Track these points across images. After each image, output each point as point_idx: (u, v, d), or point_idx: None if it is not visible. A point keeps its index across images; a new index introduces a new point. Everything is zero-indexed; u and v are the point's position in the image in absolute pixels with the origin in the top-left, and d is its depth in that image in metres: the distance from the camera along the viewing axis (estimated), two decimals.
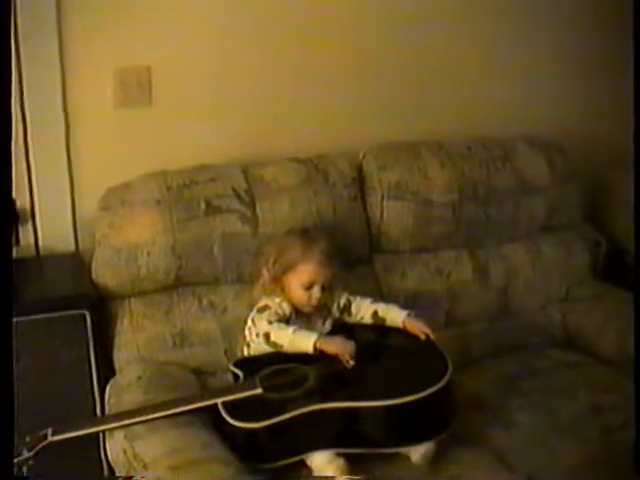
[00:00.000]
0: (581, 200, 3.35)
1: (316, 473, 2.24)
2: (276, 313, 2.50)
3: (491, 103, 3.33)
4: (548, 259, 3.22)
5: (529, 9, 3.34)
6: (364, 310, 2.64)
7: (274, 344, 2.45)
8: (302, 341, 2.42)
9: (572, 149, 3.31)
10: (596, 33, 3.46)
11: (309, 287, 2.53)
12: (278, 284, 2.57)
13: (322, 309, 2.60)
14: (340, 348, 2.41)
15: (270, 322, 2.47)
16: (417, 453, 2.30)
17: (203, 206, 2.69)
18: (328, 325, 2.59)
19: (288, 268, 2.56)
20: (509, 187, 3.10)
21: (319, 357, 2.40)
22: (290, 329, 2.44)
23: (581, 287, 3.26)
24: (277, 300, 2.54)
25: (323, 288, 2.54)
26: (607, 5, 3.38)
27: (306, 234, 2.63)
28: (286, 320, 2.51)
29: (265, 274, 2.60)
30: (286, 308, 2.53)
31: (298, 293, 2.55)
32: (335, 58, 3.07)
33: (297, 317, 2.55)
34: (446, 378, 2.35)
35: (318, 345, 2.40)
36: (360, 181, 2.97)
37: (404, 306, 2.65)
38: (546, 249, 3.23)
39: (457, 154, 3.07)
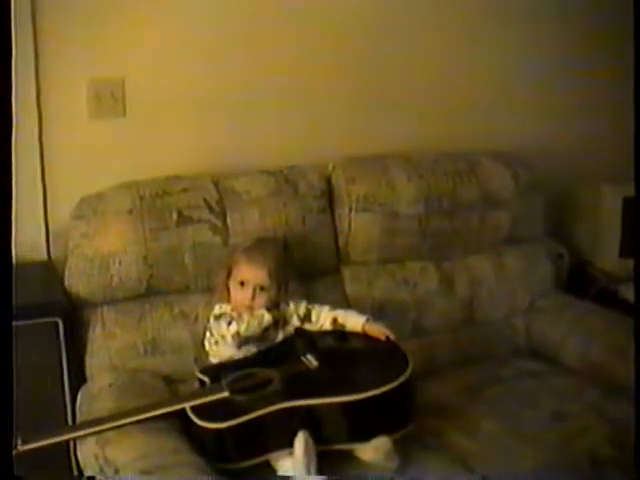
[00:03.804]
0: (544, 213, 3.38)
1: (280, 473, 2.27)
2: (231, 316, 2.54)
3: (457, 118, 3.38)
4: (512, 271, 3.24)
5: (484, 26, 3.41)
6: (324, 317, 2.65)
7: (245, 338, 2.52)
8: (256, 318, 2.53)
9: (536, 163, 3.35)
10: (569, 50, 3.52)
11: (242, 284, 2.57)
12: (226, 289, 2.62)
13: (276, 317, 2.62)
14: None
15: (229, 323, 2.51)
16: (371, 447, 2.31)
17: (175, 216, 2.72)
18: (281, 335, 2.62)
19: (230, 270, 2.61)
20: (474, 200, 3.13)
21: (283, 360, 2.47)
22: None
23: (544, 298, 3.27)
24: (229, 307, 2.58)
25: (262, 288, 2.57)
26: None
27: (256, 241, 2.69)
28: None
29: (218, 282, 2.66)
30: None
31: (235, 293, 2.58)
32: (306, 72, 3.11)
33: None
34: (407, 374, 2.39)
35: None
36: (329, 193, 3.00)
37: (371, 317, 2.67)
38: (510, 261, 3.25)
39: (424, 167, 3.10)
